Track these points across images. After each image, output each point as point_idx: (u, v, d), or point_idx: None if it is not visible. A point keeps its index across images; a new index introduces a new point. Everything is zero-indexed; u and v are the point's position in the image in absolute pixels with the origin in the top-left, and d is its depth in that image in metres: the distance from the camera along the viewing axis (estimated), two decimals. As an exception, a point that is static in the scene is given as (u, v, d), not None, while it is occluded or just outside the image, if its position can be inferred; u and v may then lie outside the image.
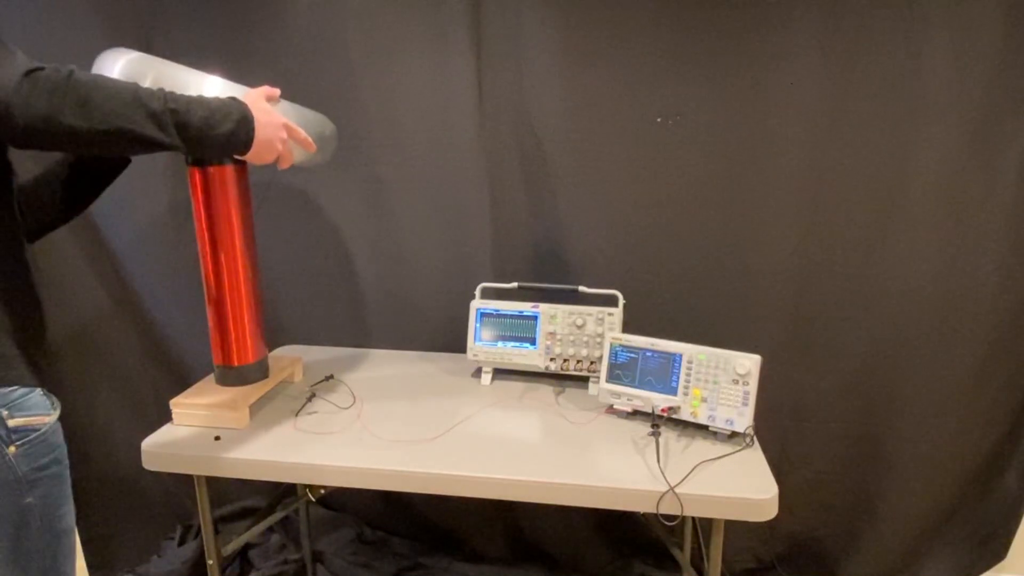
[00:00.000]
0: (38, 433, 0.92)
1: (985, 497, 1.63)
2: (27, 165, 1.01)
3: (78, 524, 1.01)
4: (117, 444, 1.74)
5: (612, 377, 1.31)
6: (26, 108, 0.74)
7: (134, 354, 1.78)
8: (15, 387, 0.90)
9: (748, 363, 1.18)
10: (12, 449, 0.88)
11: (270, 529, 1.88)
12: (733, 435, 1.20)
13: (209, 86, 1.06)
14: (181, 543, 1.87)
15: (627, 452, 1.15)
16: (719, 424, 1.19)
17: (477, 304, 1.50)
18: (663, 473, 1.06)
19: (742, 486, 1.04)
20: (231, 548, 1.34)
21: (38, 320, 0.98)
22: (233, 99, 0.99)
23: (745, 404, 1.17)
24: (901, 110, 1.43)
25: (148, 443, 1.19)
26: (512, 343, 1.47)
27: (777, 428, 1.64)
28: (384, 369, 1.59)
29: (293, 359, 1.51)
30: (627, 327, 1.42)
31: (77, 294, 1.68)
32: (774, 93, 1.46)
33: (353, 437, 1.21)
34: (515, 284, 1.53)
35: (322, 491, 1.67)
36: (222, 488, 1.87)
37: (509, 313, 1.47)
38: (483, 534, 1.83)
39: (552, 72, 1.51)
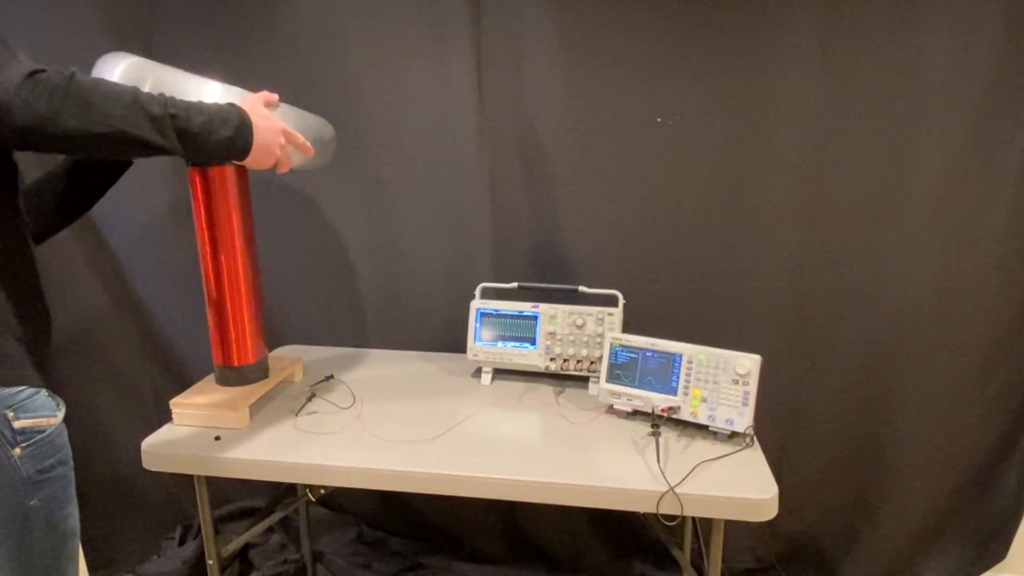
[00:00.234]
0: (43, 435, 0.91)
1: (985, 497, 1.63)
2: (28, 168, 1.01)
3: (78, 524, 1.01)
4: (117, 444, 1.74)
5: (612, 377, 1.31)
6: (27, 109, 0.74)
7: (134, 354, 1.78)
8: (21, 388, 0.90)
9: (748, 363, 1.18)
10: (17, 451, 0.88)
11: (270, 529, 1.88)
12: (733, 435, 1.20)
13: (208, 91, 1.07)
14: (181, 543, 1.87)
15: (627, 452, 1.15)
16: (719, 424, 1.19)
17: (477, 304, 1.50)
18: (663, 473, 1.07)
19: (742, 486, 1.04)
20: (231, 548, 1.34)
21: (44, 321, 0.98)
22: (232, 105, 0.99)
23: (745, 404, 1.17)
24: (901, 110, 1.43)
25: (148, 443, 1.19)
26: (512, 343, 1.47)
27: (777, 428, 1.64)
28: (384, 369, 1.59)
29: (293, 359, 1.51)
30: (627, 327, 1.43)
31: (77, 294, 1.68)
32: (774, 93, 1.46)
33: (353, 437, 1.21)
34: (515, 284, 1.53)
35: (322, 491, 1.66)
36: (222, 488, 1.87)
37: (509, 313, 1.47)
38: (483, 534, 1.83)
39: (552, 72, 1.51)
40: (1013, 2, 1.34)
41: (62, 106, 0.76)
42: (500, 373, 1.52)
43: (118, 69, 1.02)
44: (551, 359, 1.45)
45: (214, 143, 0.93)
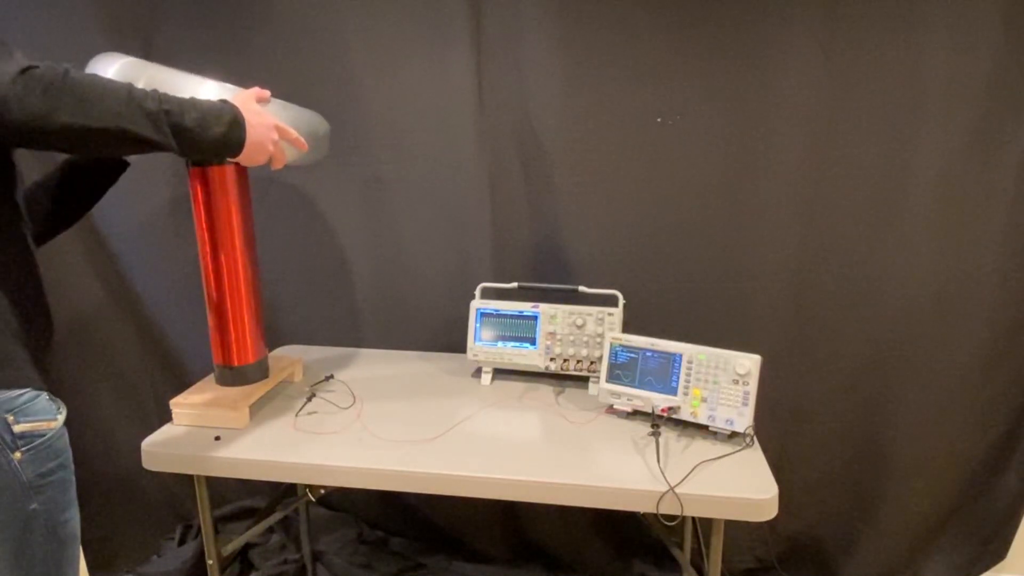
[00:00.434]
0: (44, 439, 0.90)
1: (985, 497, 1.63)
2: (27, 170, 1.01)
3: (78, 524, 1.01)
4: (117, 444, 1.74)
5: (612, 377, 1.31)
6: (21, 105, 0.74)
7: (134, 354, 1.78)
8: (22, 391, 0.89)
9: (748, 363, 1.18)
10: (17, 455, 0.87)
11: (270, 529, 1.88)
12: (733, 435, 1.20)
13: (202, 90, 1.06)
14: (181, 543, 1.87)
15: (627, 452, 1.15)
16: (719, 424, 1.19)
17: (477, 304, 1.50)
18: (663, 473, 1.06)
19: (742, 486, 1.04)
20: (231, 548, 1.34)
21: (45, 322, 0.98)
22: (224, 102, 0.98)
23: (745, 404, 1.17)
24: (901, 110, 1.43)
25: (148, 443, 1.19)
26: (512, 343, 1.47)
27: (777, 428, 1.64)
28: (384, 369, 1.59)
29: (293, 359, 1.51)
30: (627, 327, 1.42)
31: (77, 294, 1.68)
32: (774, 93, 1.46)
33: (353, 437, 1.21)
34: (515, 284, 1.53)
35: (322, 491, 1.67)
36: (222, 488, 1.87)
37: (509, 313, 1.47)
38: (483, 534, 1.83)
39: (552, 72, 1.51)
40: (1013, 2, 1.34)
41: (57, 101, 0.76)
42: (500, 373, 1.52)
43: (112, 69, 1.02)
44: (551, 359, 1.45)
45: (207, 139, 0.93)
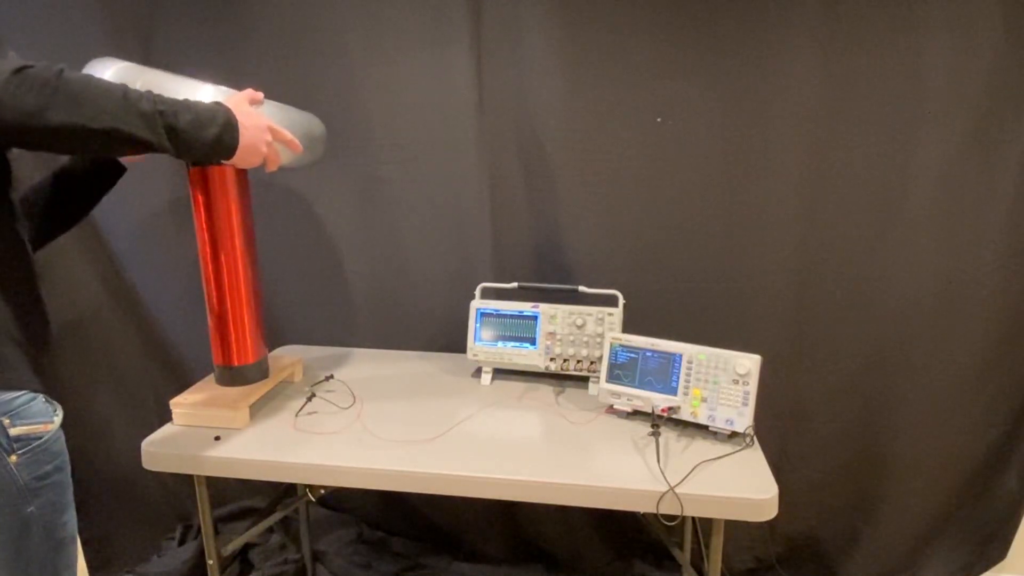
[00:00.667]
0: (40, 441, 0.90)
1: (985, 497, 1.63)
2: (24, 173, 1.01)
3: (78, 524, 1.00)
4: (117, 444, 1.74)
5: (612, 377, 1.31)
6: (14, 104, 0.74)
7: (134, 354, 1.78)
8: (18, 393, 0.88)
9: (748, 363, 1.18)
10: (13, 458, 0.87)
11: (270, 529, 1.88)
12: (733, 435, 1.20)
13: (198, 94, 1.06)
14: (181, 543, 1.87)
15: (627, 452, 1.15)
16: (719, 424, 1.19)
17: (477, 304, 1.50)
18: (663, 473, 1.06)
19: (742, 486, 1.04)
20: (231, 548, 1.34)
21: (42, 324, 0.97)
22: (217, 104, 0.98)
23: (745, 404, 1.17)
24: (901, 110, 1.43)
25: (148, 443, 1.19)
26: (512, 343, 1.47)
27: (777, 428, 1.64)
28: (384, 369, 1.59)
29: (293, 359, 1.51)
30: (627, 327, 1.42)
31: (76, 294, 1.67)
32: (774, 93, 1.46)
33: (353, 437, 1.21)
34: (515, 284, 1.53)
35: (322, 491, 1.67)
36: (222, 488, 1.87)
37: (509, 313, 1.47)
38: (483, 534, 1.83)
39: (552, 72, 1.51)
40: (1013, 2, 1.34)
41: (51, 101, 0.76)
42: (500, 373, 1.52)
43: (107, 73, 1.03)
44: (551, 359, 1.45)
45: (201, 141, 0.92)
